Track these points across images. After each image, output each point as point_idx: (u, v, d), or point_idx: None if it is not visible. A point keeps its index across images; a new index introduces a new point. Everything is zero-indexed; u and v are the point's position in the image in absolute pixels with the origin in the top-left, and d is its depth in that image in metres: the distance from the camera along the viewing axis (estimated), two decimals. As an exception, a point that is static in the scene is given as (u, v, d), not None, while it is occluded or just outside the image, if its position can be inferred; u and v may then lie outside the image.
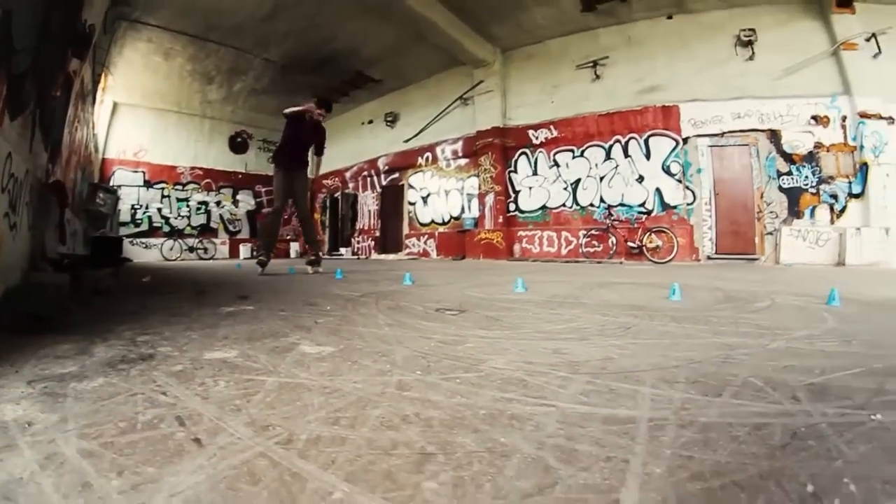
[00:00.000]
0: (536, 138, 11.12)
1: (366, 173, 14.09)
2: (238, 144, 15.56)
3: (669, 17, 10.42)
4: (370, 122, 14.15)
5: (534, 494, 0.68)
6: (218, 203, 15.23)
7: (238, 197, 15.68)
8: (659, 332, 1.96)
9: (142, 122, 13.74)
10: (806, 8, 10.07)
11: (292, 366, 1.43)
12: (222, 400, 1.11)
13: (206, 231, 14.90)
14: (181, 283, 5.00)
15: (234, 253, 14.97)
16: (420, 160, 12.86)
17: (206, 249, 14.44)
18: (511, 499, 0.66)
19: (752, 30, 9.90)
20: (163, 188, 14.23)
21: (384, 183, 13.64)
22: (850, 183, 9.34)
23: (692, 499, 0.66)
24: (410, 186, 13.04)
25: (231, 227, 15.51)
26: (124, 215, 13.45)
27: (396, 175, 13.37)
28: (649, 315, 2.42)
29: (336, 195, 14.75)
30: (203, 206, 14.95)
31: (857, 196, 9.29)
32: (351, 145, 14.59)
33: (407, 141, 13.09)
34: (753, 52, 9.89)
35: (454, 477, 0.73)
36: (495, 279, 4.91)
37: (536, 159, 11.11)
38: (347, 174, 14.57)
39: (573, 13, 10.44)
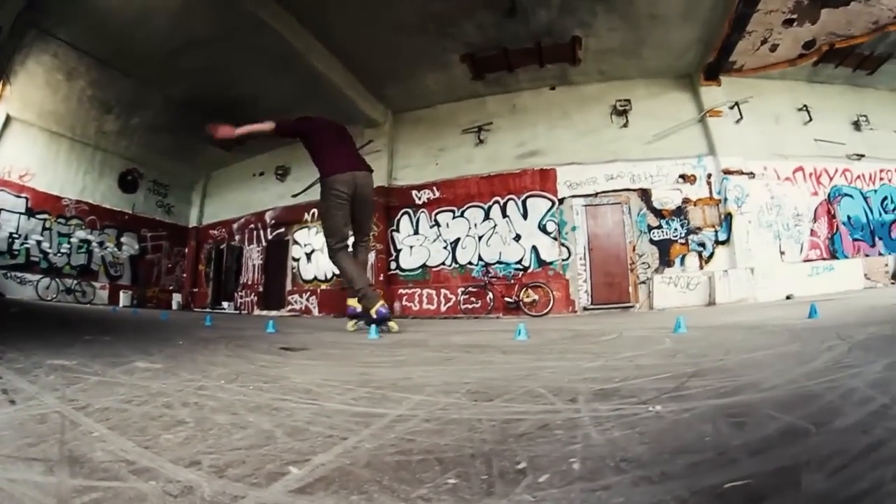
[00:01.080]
0: (419, 199, 11.42)
1: (253, 226, 13.67)
2: (128, 183, 14.53)
3: (552, 88, 11.27)
4: (261, 173, 13.90)
5: (243, 448, 0.85)
6: (101, 244, 13.79)
7: (122, 239, 14.40)
8: (479, 361, 2.11)
9: (33, 143, 12.40)
10: (677, 82, 11.12)
11: (120, 373, 1.67)
12: (46, 385, 1.40)
13: (85, 272, 13.39)
14: (49, 316, 5.37)
15: (113, 299, 13.57)
16: (306, 216, 12.65)
17: (84, 293, 12.93)
18: (225, 449, 0.85)
19: (628, 100, 10.78)
20: (45, 219, 12.65)
21: (270, 237, 13.27)
22: (716, 231, 10.25)
23: (380, 464, 0.76)
24: (295, 242, 12.74)
25: (112, 272, 14.11)
26: (0, 243, 11.93)
27: (283, 230, 13.06)
28: (481, 350, 2.59)
29: (222, 247, 14.12)
30: (85, 245, 13.51)
31: (723, 243, 10.20)
32: (241, 196, 14.20)
33: (295, 195, 12.88)
34: (628, 120, 10.76)
35: (196, 432, 0.97)
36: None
37: (418, 219, 11.33)
38: (234, 226, 14.06)
39: (463, 81, 11.02)
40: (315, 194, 12.42)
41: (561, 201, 10.41)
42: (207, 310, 13.01)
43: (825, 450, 0.72)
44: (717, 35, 10.03)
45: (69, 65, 10.47)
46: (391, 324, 4.11)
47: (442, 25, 9.43)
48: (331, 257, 4.25)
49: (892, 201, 11.87)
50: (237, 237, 13.86)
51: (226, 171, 14.73)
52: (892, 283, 10.47)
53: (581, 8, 9.31)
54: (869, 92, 12.18)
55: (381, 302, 4.06)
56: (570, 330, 4.04)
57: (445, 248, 10.86)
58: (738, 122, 10.73)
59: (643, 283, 9.99)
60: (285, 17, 8.84)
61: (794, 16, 10.12)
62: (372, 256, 11.02)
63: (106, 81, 11.06)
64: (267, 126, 4.46)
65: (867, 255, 11.22)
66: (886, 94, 12.27)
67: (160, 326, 5.03)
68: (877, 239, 11.47)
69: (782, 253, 10.61)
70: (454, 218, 10.97)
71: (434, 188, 11.31)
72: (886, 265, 11.08)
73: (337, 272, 4.20)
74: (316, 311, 11.72)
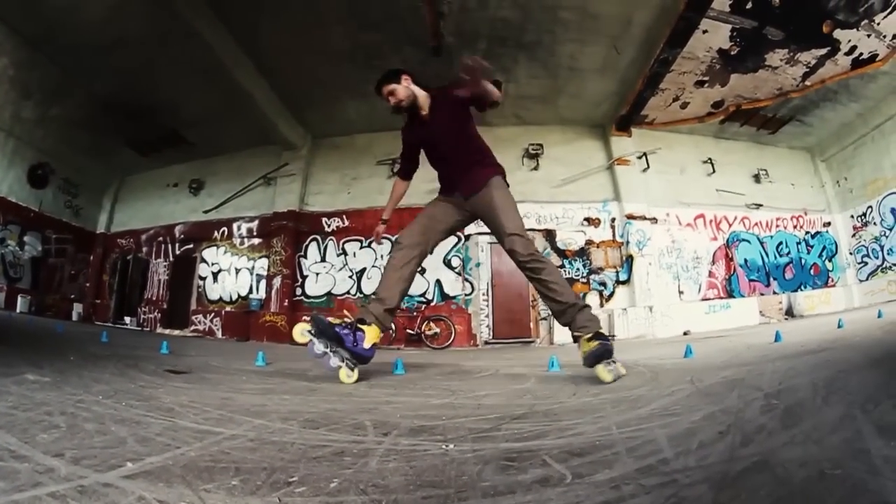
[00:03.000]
0: (329, 226, 11.64)
1: (161, 239, 13.38)
2: (38, 177, 13.76)
3: None
4: (175, 185, 13.69)
5: (98, 448, 1.13)
6: (1, 241, 13.14)
7: (25, 239, 13.65)
8: (339, 393, 2.28)
9: (-62, 119, 11.31)
10: (590, 130, 11.84)
11: (10, 383, 1.89)
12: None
13: (-20, 272, 12.70)
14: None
15: (10, 304, 12.82)
16: (216, 234, 12.60)
17: (-24, 295, 12.31)
18: (84, 447, 1.13)
19: (540, 144, 11.38)
20: (-62, 207, 11.69)
21: (178, 252, 13.06)
22: (617, 272, 10.98)
23: (193, 467, 1.00)
24: (203, 260, 12.60)
25: (12, 273, 13.32)
26: None
27: (191, 246, 12.88)
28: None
29: (128, 258, 13.77)
30: (-18, 241, 12.81)
31: (623, 282, 10.92)
32: (152, 206, 13.86)
33: (207, 212, 12.80)
34: (538, 164, 11.36)
35: (66, 434, 1.24)
36: (251, 355, 4.91)
37: (326, 246, 11.54)
38: (143, 237, 13.66)
39: (384, 112, 11.03)
40: (227, 212, 12.59)
41: (467, 237, 10.87)
42: (108, 324, 12.67)
43: (561, 501, 0.81)
44: (632, 90, 10.80)
45: (-5, 38, 9.97)
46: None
47: (370, 56, 9.69)
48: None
49: (786, 246, 12.97)
50: (144, 249, 13.55)
51: (140, 178, 14.42)
52: (786, 319, 11.40)
53: (505, 55, 9.85)
54: (770, 149, 13.32)
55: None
56: (452, 365, 4.34)
57: (351, 277, 11.07)
58: (644, 171, 11.46)
59: (544, 319, 10.53)
60: (220, 29, 8.91)
61: (706, 78, 10.98)
62: (278, 281, 11.18)
63: (30, 64, 10.58)
64: (398, 186, 3.66)
65: (762, 294, 12.20)
66: (785, 152, 13.46)
67: (55, 339, 5.25)
68: (772, 279, 12.50)
69: (681, 292, 11.43)
70: (362, 248, 11.22)
71: (344, 216, 11.54)
72: (780, 303, 12.10)
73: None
74: (219, 333, 11.62)
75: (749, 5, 9.23)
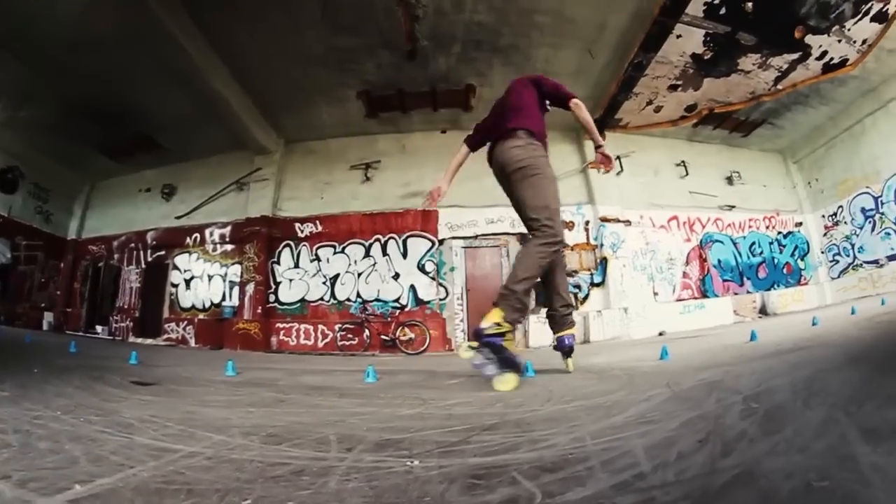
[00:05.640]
0: (302, 231, 11.70)
1: (133, 245, 13.34)
2: (7, 181, 13.62)
3: (443, 132, 12.05)
4: (148, 190, 13.71)
5: (49, 468, 1.11)
6: None
7: None
8: (308, 405, 2.28)
9: None
10: (564, 134, 12.11)
11: None
12: None
13: (-56, 280, 12.67)
14: None
15: None
16: (188, 240, 12.63)
17: (-61, 305, 12.23)
18: (34, 468, 1.11)
19: None
20: None
21: (150, 259, 13.07)
22: (592, 274, 11.26)
23: (144, 489, 0.98)
24: (175, 267, 12.61)
25: None
26: None
27: (163, 252, 12.87)
28: (320, 392, 2.79)
29: (100, 265, 13.74)
30: (-52, 248, 12.78)
31: (598, 285, 11.19)
32: (124, 212, 13.82)
33: (179, 217, 12.86)
34: None
35: (17, 454, 1.23)
36: (222, 364, 4.77)
37: (300, 252, 11.59)
38: (115, 243, 13.60)
39: (357, 117, 11.53)
40: (199, 218, 12.65)
41: (441, 242, 11.09)
42: (80, 333, 12.69)
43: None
44: (606, 94, 11.08)
45: (-38, 33, 9.79)
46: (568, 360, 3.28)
47: (344, 60, 9.85)
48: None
49: (759, 246, 13.40)
50: (116, 256, 13.52)
51: (111, 184, 14.40)
52: (760, 318, 11.79)
53: (479, 59, 10.05)
54: (742, 151, 13.76)
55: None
56: (426, 372, 4.27)
57: (325, 283, 11.15)
58: (618, 173, 11.75)
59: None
60: (194, 33, 8.94)
61: (679, 82, 11.27)
62: (251, 288, 11.27)
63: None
64: (462, 152, 3.88)
65: (736, 294, 12.59)
66: (758, 154, 13.90)
67: (22, 350, 5.28)
68: (745, 279, 12.90)
69: (656, 294, 11.75)
70: (335, 253, 11.33)
71: (317, 222, 11.64)
72: (754, 301, 12.51)
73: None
74: (192, 342, 11.66)
75: (722, 11, 9.48)
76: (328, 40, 9.36)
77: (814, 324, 4.76)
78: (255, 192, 12.06)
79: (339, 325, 10.65)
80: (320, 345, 10.77)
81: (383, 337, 10.36)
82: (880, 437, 0.97)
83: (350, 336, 10.60)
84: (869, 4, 10.17)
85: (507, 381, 2.60)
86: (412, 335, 10.33)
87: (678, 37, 9.90)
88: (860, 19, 10.49)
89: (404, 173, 11.64)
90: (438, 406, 2.09)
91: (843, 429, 1.05)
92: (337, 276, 11.17)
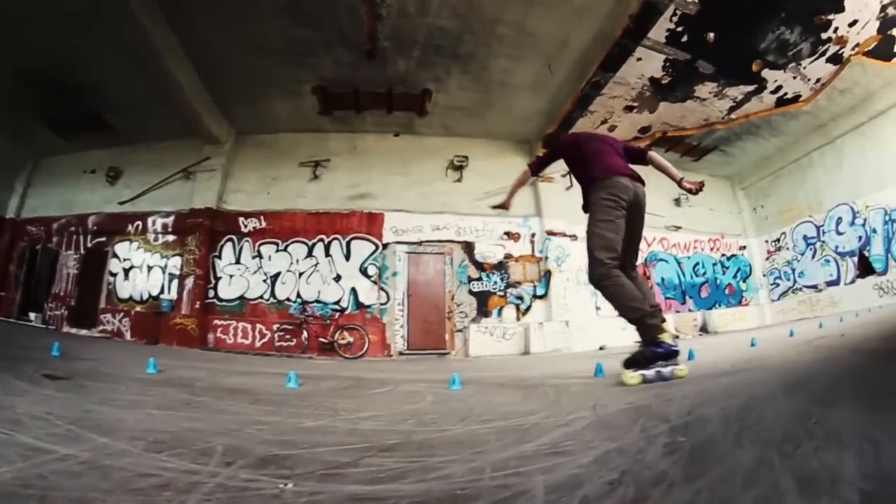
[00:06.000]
0: (246, 226, 11.47)
1: (73, 229, 12.80)
2: None
3: (396, 135, 12.03)
4: (93, 171, 13.24)
5: None
6: None
7: None
8: (216, 409, 2.22)
9: None
10: (516, 146, 12.26)
11: None
12: None
13: None
14: None
15: None
16: (130, 228, 12.25)
17: None
18: None
19: (466, 157, 11.67)
20: None
21: (90, 245, 12.64)
22: (535, 286, 11.42)
23: None
24: (115, 255, 12.20)
25: None
26: None
27: (104, 239, 12.39)
28: (234, 396, 2.73)
29: (37, 247, 13.20)
30: None
31: (541, 297, 11.36)
32: (66, 193, 13.26)
33: (122, 203, 12.49)
34: (462, 176, 11.58)
35: None
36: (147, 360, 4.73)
37: (242, 248, 11.36)
38: (55, 225, 12.97)
39: (310, 113, 11.41)
40: (143, 206, 12.33)
41: (385, 246, 11.07)
42: (11, 320, 12.28)
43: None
44: (561, 110, 11.21)
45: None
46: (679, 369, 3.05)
47: (302, 54, 9.71)
48: (599, 280, 3.23)
49: (703, 267, 13.82)
50: (55, 239, 13.02)
51: (56, 162, 13.84)
52: (700, 335, 12.13)
53: (438, 64, 10.04)
54: (692, 175, 13.87)
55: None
56: (354, 379, 4.17)
57: (265, 281, 10.96)
58: (567, 188, 11.88)
59: (460, 331, 10.87)
60: (154, 10, 8.67)
61: (636, 104, 11.51)
62: (190, 282, 11.03)
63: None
64: (524, 176, 4.24)
65: (678, 311, 12.93)
66: (707, 179, 13.86)
67: None
68: (688, 298, 13.28)
69: (598, 308, 11.88)
70: (277, 251, 11.15)
71: (262, 218, 11.43)
72: (695, 320, 12.88)
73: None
74: (128, 335, 11.30)
75: (684, 38, 9.70)
76: (288, 31, 9.21)
77: (752, 344, 4.86)
78: (201, 183, 11.78)
79: (278, 326, 10.47)
80: (258, 344, 10.56)
81: (321, 339, 10.25)
82: (819, 489, 0.85)
83: (288, 337, 10.43)
84: (826, 46, 10.53)
85: (682, 369, 2.96)
86: (351, 339, 10.25)
87: (638, 59, 10.09)
88: (816, 59, 10.86)
89: (353, 174, 11.58)
90: (347, 419, 2.04)
91: (777, 475, 0.94)
92: (278, 274, 10.99)
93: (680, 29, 9.45)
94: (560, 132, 11.79)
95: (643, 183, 3.68)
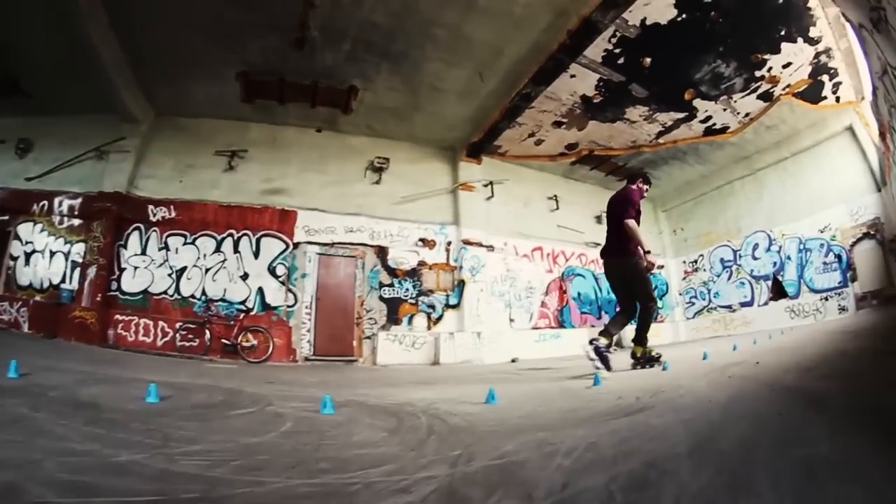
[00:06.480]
0: (154, 215, 10.87)
1: (-27, 204, 12.20)
2: None
3: (319, 131, 11.73)
4: (2, 141, 12.60)
5: None
6: None
7: None
8: (39, 431, 1.99)
9: None
10: (440, 152, 12.16)
11: None
12: None
13: None
14: None
15: None
16: (35, 207, 11.54)
17: None
18: None
19: (387, 159, 11.55)
20: None
21: (-8, 223, 12.03)
22: (447, 296, 11.42)
23: None
24: (17, 237, 11.48)
25: None
26: None
27: (6, 218, 11.54)
28: (73, 413, 2.47)
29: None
30: None
31: (453, 307, 11.38)
32: None
33: (30, 179, 11.88)
34: (381, 178, 11.46)
35: None
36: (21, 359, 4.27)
37: (149, 238, 10.77)
38: None
39: (233, 99, 11.04)
40: (51, 184, 11.51)
41: (296, 245, 10.77)
42: None
43: None
44: (488, 119, 11.19)
45: None
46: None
47: (230, 35, 9.32)
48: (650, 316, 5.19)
49: (619, 284, 14.20)
50: (-46, 214, 12.32)
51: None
52: (615, 350, 12.48)
53: (368, 61, 9.81)
54: None
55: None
56: (227, 392, 3.90)
57: (171, 275, 10.48)
58: (488, 198, 12.01)
59: (368, 338, 10.75)
60: None
61: (565, 120, 11.64)
62: (93, 272, 10.46)
63: None
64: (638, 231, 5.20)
65: (593, 326, 13.32)
66: None
67: None
68: (603, 313, 13.69)
69: (512, 320, 12.22)
70: (185, 244, 10.67)
71: (171, 207, 10.88)
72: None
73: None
74: (26, 327, 10.51)
75: (621, 60, 9.84)
76: (218, 10, 8.80)
77: (664, 369, 4.65)
78: (113, 164, 11.19)
79: (181, 324, 9.98)
80: (160, 343, 10.07)
81: (224, 341, 9.83)
82: None
83: (191, 337, 9.93)
84: (759, 83, 10.86)
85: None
86: (255, 342, 9.87)
87: (572, 76, 10.19)
88: (748, 95, 11.23)
89: (269, 168, 11.19)
90: (169, 454, 1.74)
91: None
92: (184, 269, 10.49)
93: (617, 51, 9.60)
94: (486, 142, 11.84)
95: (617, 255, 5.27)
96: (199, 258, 10.58)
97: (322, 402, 3.04)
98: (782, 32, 9.70)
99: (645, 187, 5.60)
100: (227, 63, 10.23)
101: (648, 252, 5.03)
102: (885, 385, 2.45)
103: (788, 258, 13.42)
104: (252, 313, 10.36)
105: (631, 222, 5.03)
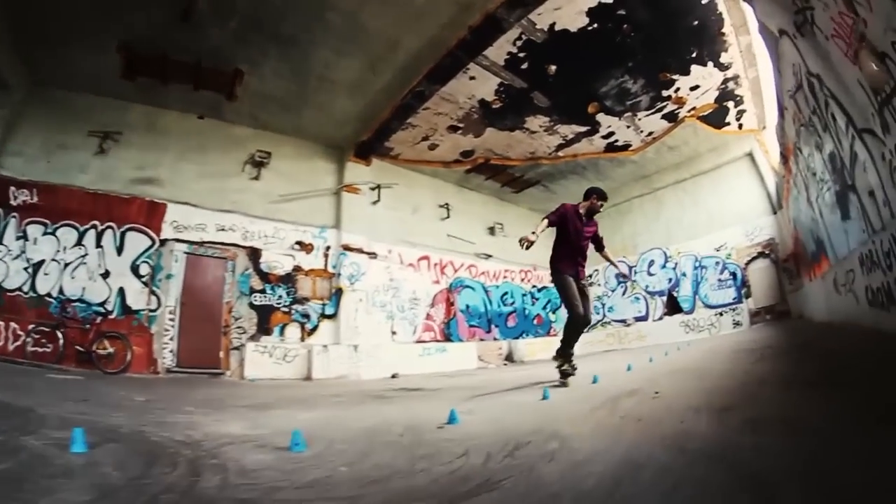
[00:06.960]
0: (16, 199, 9.73)
1: None
2: None
3: (201, 118, 10.92)
4: None
5: None
6: None
7: None
8: None
9: None
10: (327, 150, 11.77)
11: None
12: None
13: None
14: None
15: None
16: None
17: None
18: None
19: (269, 153, 11.00)
20: None
21: None
22: (324, 305, 10.89)
23: None
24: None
25: None
26: None
27: None
28: None
29: None
30: None
31: (330, 317, 10.88)
32: None
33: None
34: (260, 174, 10.89)
35: None
36: None
37: (6, 224, 9.36)
38: None
39: (112, 75, 10.20)
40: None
41: (163, 243, 10.00)
42: None
43: None
44: (378, 117, 10.74)
45: None
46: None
47: (115, 6, 8.50)
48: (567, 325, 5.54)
49: (512, 296, 14.41)
50: None
51: None
52: (505, 364, 12.68)
53: (255, 43, 9.18)
54: (510, 207, 14.69)
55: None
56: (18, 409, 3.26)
57: (27, 269, 9.28)
58: (374, 203, 11.77)
59: (236, 349, 10.07)
60: None
61: (462, 125, 11.43)
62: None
63: None
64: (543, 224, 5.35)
65: (482, 340, 13.45)
66: (525, 212, 14.94)
67: None
68: (493, 326, 13.83)
69: (394, 333, 11.93)
70: (45, 234, 9.56)
71: (35, 190, 9.69)
72: (500, 349, 13.47)
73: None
74: None
75: (524, 66, 9.68)
76: None
77: (545, 397, 3.85)
78: None
79: (34, 326, 8.85)
80: (11, 348, 8.84)
81: (78, 348, 8.86)
82: None
83: (44, 342, 8.83)
84: (665, 104, 10.89)
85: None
86: (112, 349, 8.98)
87: (472, 78, 9.98)
88: (653, 114, 11.31)
89: (144, 154, 10.36)
90: None
91: None
92: (42, 262, 9.39)
93: (522, 55, 9.44)
94: (376, 143, 11.52)
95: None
96: (58, 251, 9.54)
97: (72, 437, 2.20)
98: (694, 54, 9.82)
99: (585, 203, 5.72)
100: (109, 32, 9.29)
101: (533, 233, 4.91)
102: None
103: (684, 275, 13.81)
104: (111, 317, 9.45)
105: (544, 223, 5.34)
